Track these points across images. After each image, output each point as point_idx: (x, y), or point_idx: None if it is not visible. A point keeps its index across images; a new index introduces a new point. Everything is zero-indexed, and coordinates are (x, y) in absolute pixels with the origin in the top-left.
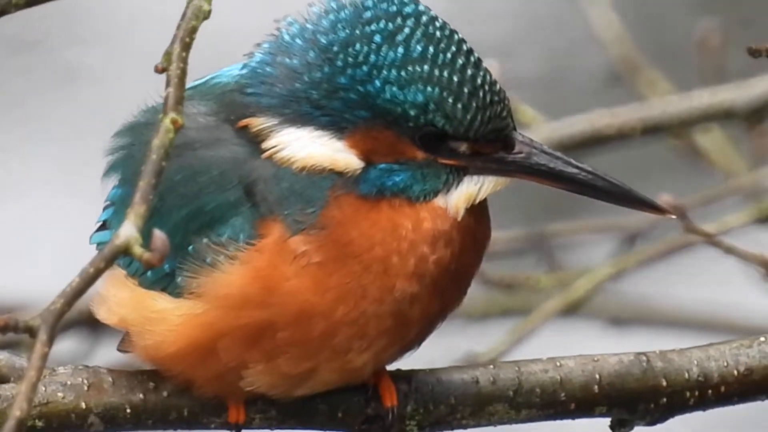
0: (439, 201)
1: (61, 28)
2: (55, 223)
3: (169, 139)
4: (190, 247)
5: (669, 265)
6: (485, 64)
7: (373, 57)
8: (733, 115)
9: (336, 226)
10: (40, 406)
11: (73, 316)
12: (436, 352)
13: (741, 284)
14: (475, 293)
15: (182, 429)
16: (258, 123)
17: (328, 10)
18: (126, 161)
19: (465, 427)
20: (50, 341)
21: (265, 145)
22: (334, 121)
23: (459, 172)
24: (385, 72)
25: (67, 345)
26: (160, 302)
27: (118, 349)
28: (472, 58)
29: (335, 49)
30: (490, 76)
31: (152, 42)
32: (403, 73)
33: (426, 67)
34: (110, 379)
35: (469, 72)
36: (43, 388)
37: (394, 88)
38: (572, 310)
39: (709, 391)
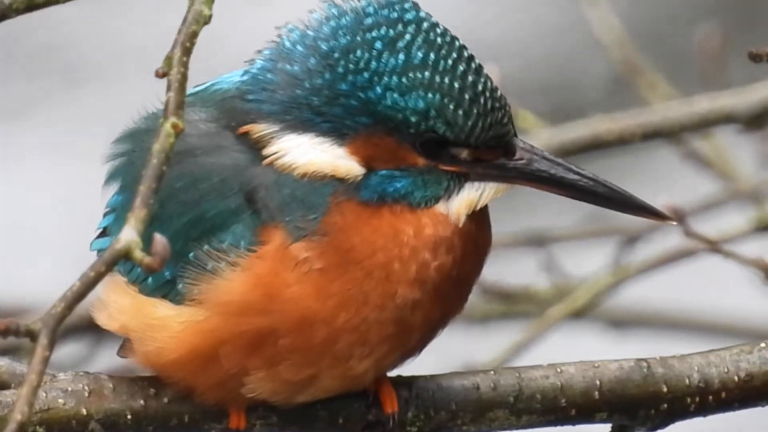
0: (441, 207)
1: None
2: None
3: (170, 144)
4: (191, 254)
5: (670, 270)
6: (486, 70)
7: (374, 63)
8: (733, 121)
9: (338, 232)
10: (41, 412)
11: (74, 321)
12: (437, 357)
13: (741, 289)
14: (475, 301)
15: None
16: (259, 129)
17: (329, 16)
18: (126, 168)
19: None
20: (51, 345)
21: (266, 152)
22: (335, 127)
23: (460, 179)
24: (386, 78)
25: (67, 350)
26: (161, 309)
27: (118, 354)
28: (473, 65)
29: (336, 55)
30: (491, 82)
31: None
32: (404, 80)
33: (427, 73)
34: (111, 385)
35: (470, 78)
36: (44, 395)
37: (395, 95)
38: (573, 316)
39: (710, 397)
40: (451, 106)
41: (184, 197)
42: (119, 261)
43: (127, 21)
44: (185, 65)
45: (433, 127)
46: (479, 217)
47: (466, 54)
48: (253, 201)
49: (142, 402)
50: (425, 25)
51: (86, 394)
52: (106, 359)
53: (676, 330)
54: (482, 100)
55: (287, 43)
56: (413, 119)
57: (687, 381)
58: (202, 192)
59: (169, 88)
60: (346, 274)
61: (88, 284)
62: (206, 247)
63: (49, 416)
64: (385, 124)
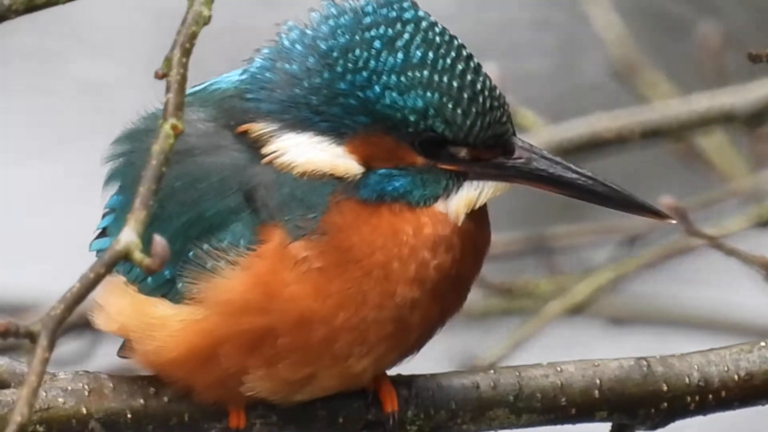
0: (440, 206)
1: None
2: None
3: (169, 145)
4: (191, 253)
5: (670, 267)
6: (485, 69)
7: (372, 62)
8: (733, 119)
9: (337, 231)
10: (40, 412)
11: (73, 320)
12: (437, 355)
13: (742, 286)
14: (474, 297)
15: None
16: (258, 128)
17: (328, 15)
18: (126, 168)
19: None
20: (51, 346)
21: (264, 151)
22: (334, 126)
23: (459, 178)
24: (384, 77)
25: (67, 348)
26: (161, 308)
27: (119, 355)
28: (471, 64)
29: (335, 54)
30: (490, 81)
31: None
32: (402, 79)
33: (425, 72)
34: (111, 384)
35: (469, 77)
36: (44, 394)
37: (394, 94)
38: (573, 313)
39: (710, 396)
40: (450, 105)
41: (183, 197)
42: (119, 262)
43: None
44: (185, 66)
45: (431, 126)
46: (478, 216)
47: (464, 53)
48: (253, 200)
49: (142, 401)
50: (424, 24)
51: (86, 393)
52: (106, 358)
53: (676, 328)
54: (481, 99)
55: (286, 42)
56: (412, 118)
57: (687, 380)
58: (202, 191)
59: (168, 90)
60: (345, 274)
61: (88, 285)
62: (206, 246)
63: (49, 415)
64: (384, 123)
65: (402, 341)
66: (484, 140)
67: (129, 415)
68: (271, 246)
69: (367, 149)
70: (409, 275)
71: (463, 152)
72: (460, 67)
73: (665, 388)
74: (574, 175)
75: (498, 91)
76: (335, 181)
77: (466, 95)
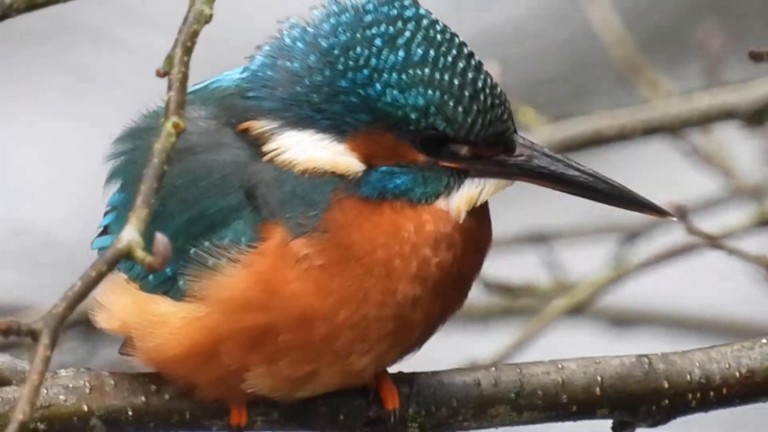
0: (441, 204)
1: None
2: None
3: (171, 143)
4: (192, 251)
5: (671, 266)
6: (486, 67)
7: (373, 60)
8: (734, 117)
9: (338, 229)
10: (42, 409)
11: (74, 317)
12: (438, 354)
13: (743, 285)
14: (475, 296)
15: None
16: (259, 126)
17: (330, 13)
18: (127, 166)
19: (467, 429)
20: (53, 345)
21: (266, 149)
22: (335, 124)
23: (460, 175)
24: (385, 75)
25: (68, 346)
26: (162, 306)
27: (120, 353)
28: (472, 62)
29: (336, 52)
30: (491, 79)
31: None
32: (403, 77)
33: (427, 70)
34: (112, 381)
35: (470, 75)
36: (45, 391)
37: (395, 92)
38: (574, 312)
39: (711, 393)
40: (451, 103)
41: (184, 194)
42: (120, 260)
43: None
44: (186, 65)
45: (432, 123)
46: (479, 214)
47: (465, 51)
48: (254, 198)
49: (143, 399)
50: (425, 22)
51: (87, 390)
52: (108, 356)
53: (677, 327)
54: (482, 97)
55: (287, 40)
56: (413, 116)
57: (688, 377)
58: (203, 189)
59: (170, 88)
60: (347, 271)
61: (90, 283)
62: (207, 243)
63: (50, 413)
64: (385, 121)
65: (403, 338)
66: (485, 138)
67: (130, 413)
68: (272, 243)
69: (369, 147)
70: (411, 272)
71: (464, 150)
72: (461, 64)
73: (666, 385)
74: (576, 173)
75: (499, 89)
76: (336, 178)
77: (467, 93)
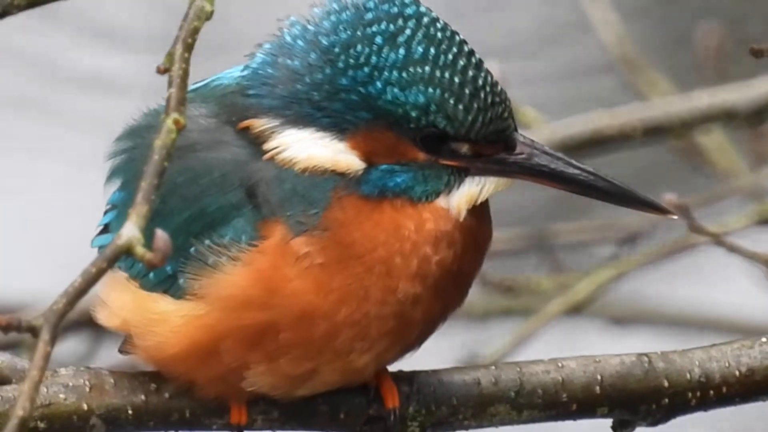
0: (441, 202)
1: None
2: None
3: (171, 140)
4: (192, 249)
5: (671, 265)
6: (486, 65)
7: (374, 58)
8: (734, 116)
9: (339, 227)
10: (42, 408)
11: (74, 317)
12: (438, 352)
13: (743, 284)
14: (475, 294)
15: (184, 430)
16: (259, 124)
17: (330, 11)
18: (128, 164)
19: (467, 428)
20: (53, 341)
21: (266, 147)
22: (336, 122)
23: (460, 173)
24: (386, 73)
25: (68, 345)
26: (162, 304)
27: (120, 351)
28: (473, 60)
29: (337, 50)
30: (492, 77)
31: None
32: (404, 75)
33: (427, 68)
34: (112, 380)
35: (471, 73)
36: (45, 390)
37: (396, 90)
38: (574, 310)
39: (711, 392)
40: (452, 101)
41: (185, 192)
42: (121, 257)
43: None
44: (187, 61)
45: (433, 121)
46: (480, 212)
47: (466, 49)
48: (254, 196)
49: (143, 397)
50: (425, 20)
51: (87, 389)
52: (107, 355)
53: (677, 326)
54: (482, 95)
55: (288, 38)
56: (413, 114)
57: (688, 376)
58: (203, 187)
59: (170, 85)
60: (347, 269)
61: (90, 280)
62: (207, 241)
63: (50, 411)
64: (386, 119)
65: (403, 337)
66: (485, 136)
67: (130, 411)
68: (272, 242)
69: (369, 145)
70: (411, 271)
71: (464, 148)
72: (461, 62)
73: (666, 384)
74: (576, 171)
75: (499, 87)
76: (337, 177)
77: (467, 91)
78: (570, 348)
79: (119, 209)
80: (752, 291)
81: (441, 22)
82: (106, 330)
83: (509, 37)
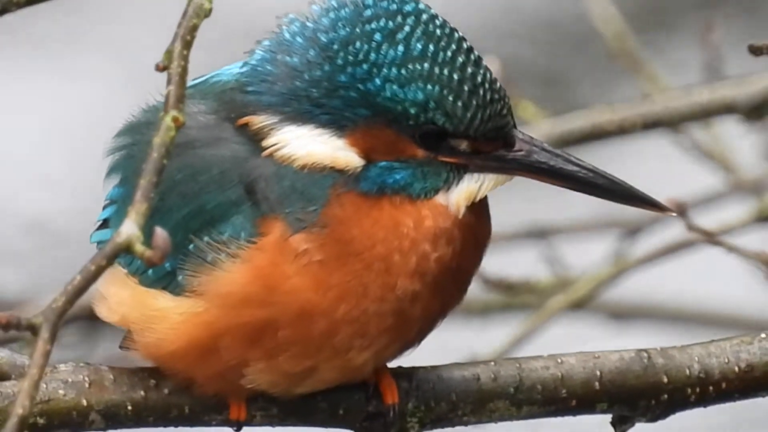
0: (440, 199)
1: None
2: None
3: (170, 137)
4: (191, 246)
5: (670, 262)
6: (485, 62)
7: (373, 55)
8: (734, 111)
9: (338, 224)
10: (41, 404)
11: (74, 311)
12: (438, 349)
13: (743, 280)
14: (474, 292)
15: (183, 426)
16: (258, 121)
17: (329, 8)
18: (127, 161)
19: (466, 424)
20: (52, 339)
21: (265, 144)
22: (335, 119)
23: (459, 170)
24: (385, 70)
25: (67, 341)
26: (161, 301)
27: (121, 347)
28: (472, 56)
29: (335, 47)
30: (490, 74)
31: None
32: (403, 72)
33: (426, 65)
34: (111, 376)
35: (469, 70)
36: (45, 386)
37: (395, 87)
38: (575, 307)
39: (710, 388)
40: (450, 98)
41: (184, 189)
42: (120, 254)
43: None
44: (186, 59)
45: (432, 118)
46: (479, 209)
47: (465, 45)
48: (253, 193)
49: (142, 393)
50: (424, 16)
51: (87, 385)
52: (107, 350)
53: (676, 322)
54: (481, 92)
55: (287, 35)
56: (412, 111)
57: (687, 372)
58: (202, 184)
59: (169, 82)
60: (346, 266)
61: (89, 278)
62: (206, 238)
63: (49, 407)
64: (385, 116)
65: (403, 334)
66: (484, 133)
67: (129, 407)
68: (271, 239)
69: (368, 142)
70: (410, 268)
71: (463, 145)
72: (460, 59)
73: (666, 379)
74: (575, 168)
75: (498, 84)
76: (336, 173)
77: (466, 88)
78: (569, 344)
79: (118, 205)
80: (751, 287)
81: (440, 18)
82: (106, 323)
83: (509, 32)
